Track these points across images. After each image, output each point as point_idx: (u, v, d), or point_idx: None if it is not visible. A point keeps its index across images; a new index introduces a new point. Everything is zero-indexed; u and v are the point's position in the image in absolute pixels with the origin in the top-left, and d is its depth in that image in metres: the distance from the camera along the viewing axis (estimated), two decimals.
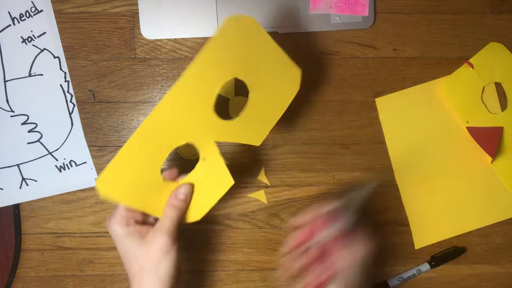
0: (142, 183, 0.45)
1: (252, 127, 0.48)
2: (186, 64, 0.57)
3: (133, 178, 0.44)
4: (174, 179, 0.48)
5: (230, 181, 0.47)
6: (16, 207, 0.57)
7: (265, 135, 0.49)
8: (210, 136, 0.46)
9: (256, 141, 0.48)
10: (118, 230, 0.45)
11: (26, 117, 0.57)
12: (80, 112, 0.57)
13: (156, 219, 0.48)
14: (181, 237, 0.59)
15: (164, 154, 0.45)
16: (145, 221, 0.48)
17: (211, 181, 0.48)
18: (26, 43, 0.56)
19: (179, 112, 0.43)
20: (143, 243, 0.45)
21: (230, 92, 0.57)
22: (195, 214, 0.48)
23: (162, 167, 0.45)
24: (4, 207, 0.57)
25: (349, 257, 0.47)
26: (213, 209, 0.59)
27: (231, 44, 0.43)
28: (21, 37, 0.56)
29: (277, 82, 0.47)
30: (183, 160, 0.56)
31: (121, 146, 0.58)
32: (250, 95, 0.46)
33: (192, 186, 0.47)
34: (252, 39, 0.44)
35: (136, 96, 0.58)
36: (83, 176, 0.58)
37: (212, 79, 0.43)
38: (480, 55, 0.59)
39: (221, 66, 0.43)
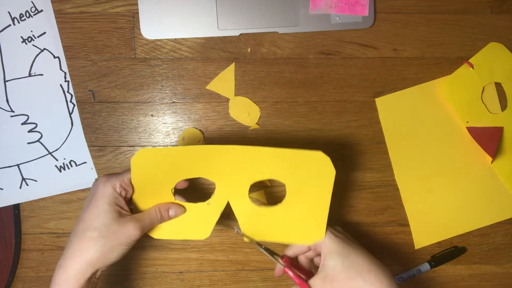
0: (158, 180, 0.49)
1: (258, 224, 0.50)
2: (186, 64, 0.57)
3: (159, 171, 0.48)
4: (182, 187, 0.50)
5: (206, 235, 0.51)
6: (16, 207, 0.57)
7: (255, 239, 0.51)
8: (230, 196, 0.50)
9: (247, 231, 0.51)
10: (109, 191, 0.46)
11: (26, 117, 0.57)
12: (80, 112, 0.57)
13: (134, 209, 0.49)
14: None
15: (193, 174, 0.49)
16: (128, 202, 0.49)
17: (196, 222, 0.51)
18: (26, 43, 0.56)
19: (230, 161, 0.48)
20: (118, 220, 0.45)
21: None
22: (159, 233, 0.50)
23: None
24: (4, 207, 0.57)
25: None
26: None
27: (305, 164, 0.48)
28: (21, 37, 0.56)
29: (302, 221, 0.50)
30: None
31: (121, 146, 0.58)
32: (279, 205, 0.50)
33: (184, 212, 0.50)
34: (320, 180, 0.49)
35: (136, 96, 0.58)
36: (83, 176, 0.58)
37: (270, 168, 0.49)
38: (480, 55, 0.59)
39: (284, 169, 0.48)
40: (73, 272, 0.43)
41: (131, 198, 0.49)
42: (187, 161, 0.48)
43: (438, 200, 0.60)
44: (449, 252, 0.60)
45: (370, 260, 0.47)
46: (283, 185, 0.49)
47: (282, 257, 0.50)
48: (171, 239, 0.52)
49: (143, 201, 0.49)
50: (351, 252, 0.47)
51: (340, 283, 0.46)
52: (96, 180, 0.47)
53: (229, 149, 0.48)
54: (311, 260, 0.52)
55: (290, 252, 0.51)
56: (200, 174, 0.49)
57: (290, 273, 0.49)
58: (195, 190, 0.57)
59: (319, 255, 0.50)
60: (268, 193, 0.59)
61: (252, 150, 0.48)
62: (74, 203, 0.58)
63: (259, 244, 0.51)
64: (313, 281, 0.47)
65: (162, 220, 0.49)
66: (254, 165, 0.48)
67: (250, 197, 0.49)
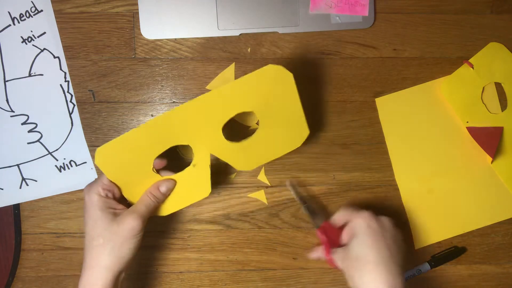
0: (133, 166, 0.49)
1: (246, 156, 0.52)
2: (186, 64, 0.57)
3: (128, 158, 0.48)
4: (160, 167, 0.50)
5: (207, 191, 0.52)
6: (16, 207, 0.57)
7: (252, 168, 0.54)
8: (208, 147, 0.50)
9: (241, 167, 0.53)
10: (96, 199, 0.46)
11: (26, 117, 0.57)
12: (80, 112, 0.57)
13: (130, 205, 0.50)
14: (180, 237, 0.60)
15: (163, 147, 0.48)
16: (120, 201, 0.49)
17: (192, 186, 0.52)
18: (26, 43, 0.56)
19: (192, 118, 0.47)
20: (115, 220, 0.46)
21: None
22: (166, 209, 0.52)
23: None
24: (4, 207, 0.57)
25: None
26: (213, 209, 0.59)
27: (263, 84, 0.47)
28: (21, 37, 0.56)
29: (285, 132, 0.52)
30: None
31: None
32: (258, 131, 0.51)
33: (175, 183, 0.51)
34: (282, 88, 0.48)
35: (136, 96, 0.58)
36: (83, 176, 0.58)
37: (233, 104, 0.48)
38: (480, 55, 0.59)
39: (246, 98, 0.48)
40: (95, 280, 0.44)
41: (122, 196, 0.49)
42: (150, 139, 0.47)
43: (438, 200, 0.60)
44: (449, 252, 0.60)
45: (384, 260, 0.48)
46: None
47: (321, 222, 0.55)
48: (179, 209, 0.53)
49: (133, 192, 0.50)
50: (373, 246, 0.49)
51: (353, 268, 0.49)
52: (83, 192, 0.48)
53: (185, 107, 0.46)
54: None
55: (331, 221, 0.55)
56: (170, 144, 0.48)
57: (319, 234, 0.54)
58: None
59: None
60: (268, 193, 0.59)
61: (208, 97, 0.46)
62: (74, 203, 0.58)
63: (303, 200, 0.56)
64: (336, 251, 0.52)
65: (158, 200, 0.49)
66: (216, 111, 0.48)
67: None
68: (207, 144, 0.50)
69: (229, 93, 0.47)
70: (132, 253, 0.46)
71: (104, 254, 0.45)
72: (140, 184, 0.50)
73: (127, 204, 0.50)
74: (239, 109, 0.48)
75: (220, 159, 0.51)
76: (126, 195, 0.50)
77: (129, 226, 0.46)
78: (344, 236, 0.53)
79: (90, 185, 0.48)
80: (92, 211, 0.46)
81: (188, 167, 0.51)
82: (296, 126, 0.52)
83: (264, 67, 0.46)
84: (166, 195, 0.50)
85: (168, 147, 0.48)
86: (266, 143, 0.52)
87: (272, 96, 0.48)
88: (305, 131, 0.52)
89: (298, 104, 0.50)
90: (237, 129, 0.57)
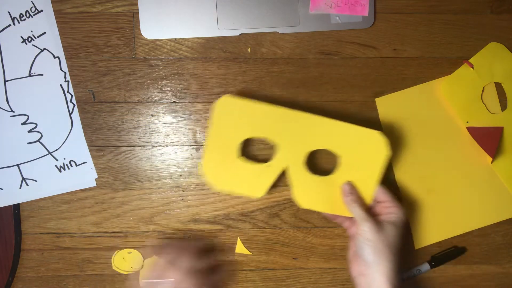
0: (232, 130, 0.53)
1: (308, 193, 0.55)
2: (186, 64, 0.57)
3: (235, 120, 0.52)
4: None
5: (261, 194, 0.55)
6: (16, 207, 0.57)
7: (302, 206, 0.55)
8: (288, 160, 0.53)
9: (297, 199, 0.55)
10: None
11: (26, 117, 0.57)
12: (80, 112, 0.57)
13: None
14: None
15: (263, 134, 0.53)
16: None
17: (253, 180, 0.54)
18: (26, 43, 0.56)
19: (295, 127, 0.52)
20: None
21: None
22: (220, 182, 0.54)
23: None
24: (4, 207, 0.57)
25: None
26: (213, 209, 0.59)
27: (362, 141, 0.53)
28: (21, 37, 0.56)
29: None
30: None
31: (121, 146, 0.58)
32: (330, 177, 0.54)
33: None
34: (374, 156, 0.53)
35: (136, 96, 0.58)
36: (83, 176, 0.58)
37: (330, 140, 0.53)
38: (480, 55, 0.59)
39: (342, 142, 0.53)
40: None
41: None
42: (258, 119, 0.52)
43: (438, 200, 0.60)
44: (449, 252, 0.60)
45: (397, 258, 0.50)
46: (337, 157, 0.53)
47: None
48: (229, 191, 0.54)
49: (213, 149, 0.53)
50: (400, 242, 0.51)
51: (380, 251, 0.50)
52: None
53: (295, 115, 0.52)
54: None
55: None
56: (267, 135, 0.53)
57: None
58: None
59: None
60: (268, 193, 0.59)
61: (315, 119, 0.52)
62: (74, 203, 0.58)
63: None
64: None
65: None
66: (314, 134, 0.53)
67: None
68: (289, 157, 0.53)
69: (332, 127, 0.52)
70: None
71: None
72: (223, 148, 0.53)
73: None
74: (332, 147, 0.53)
75: (288, 177, 0.54)
76: (209, 143, 0.53)
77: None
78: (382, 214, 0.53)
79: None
80: None
81: (263, 164, 0.54)
82: (363, 195, 0.54)
83: (374, 131, 0.52)
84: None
85: (265, 136, 0.53)
86: (333, 194, 0.54)
87: (362, 156, 0.53)
88: (367, 201, 0.54)
89: (376, 180, 0.53)
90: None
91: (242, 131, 0.53)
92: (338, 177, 0.54)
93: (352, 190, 0.53)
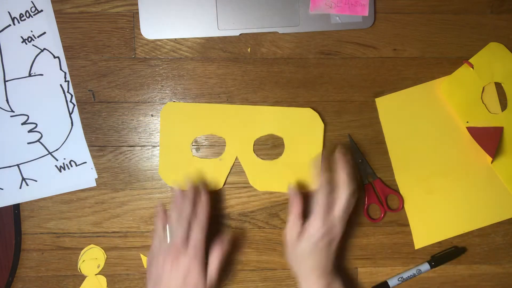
0: (181, 133, 0.57)
1: (262, 176, 0.59)
2: (186, 64, 0.57)
3: (182, 123, 0.57)
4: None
5: (219, 186, 0.58)
6: (16, 207, 0.57)
7: (261, 189, 0.59)
8: (238, 151, 0.58)
9: (254, 183, 0.59)
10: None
11: (26, 117, 0.57)
12: (80, 112, 0.57)
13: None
14: None
15: (205, 132, 0.58)
16: None
17: (209, 176, 0.58)
18: (26, 43, 0.56)
19: (237, 119, 0.57)
20: None
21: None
22: (171, 179, 0.58)
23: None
24: (4, 207, 0.57)
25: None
26: (213, 209, 0.59)
27: (297, 120, 0.58)
28: (21, 37, 0.56)
29: (299, 171, 0.58)
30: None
31: (121, 146, 0.58)
32: (279, 160, 0.58)
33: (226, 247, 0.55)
34: (312, 133, 0.58)
35: (136, 96, 0.58)
36: (83, 176, 0.58)
37: (269, 125, 0.58)
38: (480, 55, 0.59)
39: (280, 125, 0.58)
40: None
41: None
42: (204, 118, 0.57)
43: (438, 200, 0.60)
44: (449, 252, 0.60)
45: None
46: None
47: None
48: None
49: (167, 153, 0.57)
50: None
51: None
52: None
53: (237, 109, 0.57)
54: None
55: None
56: (214, 131, 0.57)
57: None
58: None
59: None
60: (269, 193, 0.59)
61: (253, 109, 0.57)
62: (74, 203, 0.58)
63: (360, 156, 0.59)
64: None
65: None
66: (256, 122, 0.57)
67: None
68: (238, 148, 0.58)
69: (271, 114, 0.57)
70: None
71: None
72: (176, 151, 0.57)
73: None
74: (273, 131, 0.58)
75: (242, 166, 0.58)
76: (161, 150, 0.57)
77: None
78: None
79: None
80: None
81: (215, 159, 0.58)
82: (310, 172, 0.58)
83: (305, 108, 0.57)
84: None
85: (211, 133, 0.57)
86: (283, 173, 0.58)
87: (301, 134, 0.58)
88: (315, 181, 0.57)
89: (319, 151, 0.58)
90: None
91: (190, 131, 0.57)
92: (286, 158, 0.58)
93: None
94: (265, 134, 0.58)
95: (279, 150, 0.58)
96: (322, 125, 0.58)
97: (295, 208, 0.53)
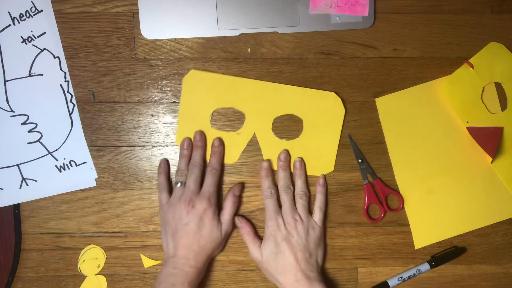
0: (202, 103, 0.58)
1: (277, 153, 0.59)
2: (186, 64, 0.57)
3: (204, 93, 0.58)
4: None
5: (235, 159, 0.59)
6: (16, 207, 0.57)
7: (274, 167, 0.59)
8: (256, 127, 0.58)
9: (268, 157, 0.59)
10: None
11: (26, 117, 0.57)
12: (80, 112, 0.57)
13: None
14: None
15: (231, 104, 0.58)
16: None
17: (228, 148, 0.58)
18: (26, 43, 0.56)
19: (259, 96, 0.58)
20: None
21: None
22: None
23: None
24: (4, 207, 0.57)
25: None
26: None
27: (319, 103, 0.58)
28: (21, 37, 0.56)
29: (314, 155, 0.59)
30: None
31: (121, 146, 0.58)
32: (296, 140, 0.58)
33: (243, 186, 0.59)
34: (332, 117, 0.59)
35: (136, 96, 0.58)
36: (83, 176, 0.58)
37: (291, 105, 0.58)
38: (480, 55, 0.59)
39: (302, 106, 0.58)
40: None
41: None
42: (226, 91, 0.57)
43: (438, 200, 0.60)
44: (449, 252, 0.60)
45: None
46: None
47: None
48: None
49: (186, 122, 0.57)
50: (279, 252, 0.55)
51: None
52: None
53: (260, 85, 0.57)
54: None
55: None
56: (234, 105, 0.57)
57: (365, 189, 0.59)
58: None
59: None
60: None
61: (277, 87, 0.57)
62: (74, 203, 0.58)
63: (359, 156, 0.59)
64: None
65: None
66: (277, 101, 0.57)
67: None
68: (257, 125, 0.58)
69: (293, 94, 0.57)
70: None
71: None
72: (195, 121, 0.57)
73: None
74: (294, 111, 0.58)
75: (258, 142, 0.58)
76: (180, 118, 0.57)
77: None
78: None
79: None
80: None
81: (233, 132, 0.58)
82: (326, 156, 0.59)
83: (329, 92, 0.57)
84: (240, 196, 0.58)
85: (232, 106, 0.57)
86: (299, 154, 0.58)
87: (321, 117, 0.58)
88: (329, 166, 0.59)
89: (337, 138, 0.58)
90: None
91: (211, 102, 0.57)
92: (303, 139, 0.58)
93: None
94: (285, 114, 0.58)
95: (297, 131, 0.58)
96: (344, 111, 0.58)
97: (243, 230, 0.57)
